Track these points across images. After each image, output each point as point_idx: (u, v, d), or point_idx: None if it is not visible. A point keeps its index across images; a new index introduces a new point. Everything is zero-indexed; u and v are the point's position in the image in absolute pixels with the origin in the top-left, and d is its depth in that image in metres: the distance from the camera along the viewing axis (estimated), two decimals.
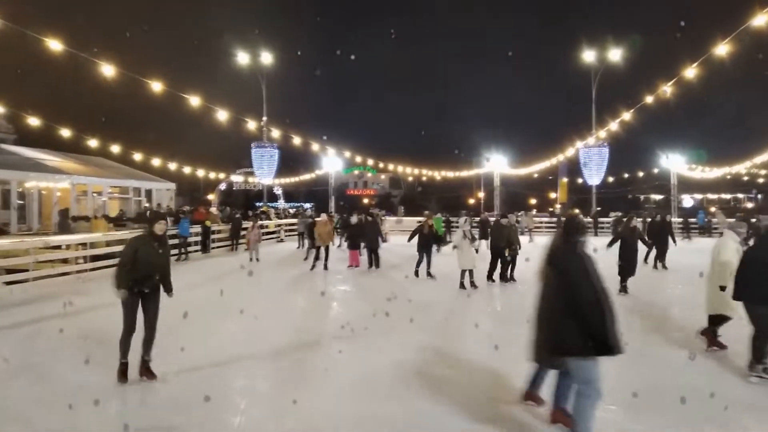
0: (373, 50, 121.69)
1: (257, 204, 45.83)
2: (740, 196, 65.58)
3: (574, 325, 4.08)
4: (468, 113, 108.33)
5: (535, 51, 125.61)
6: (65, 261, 14.86)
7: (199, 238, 20.96)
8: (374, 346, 7.51)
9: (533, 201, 61.35)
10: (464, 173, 45.30)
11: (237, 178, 50.14)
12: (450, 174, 42.64)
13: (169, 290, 6.27)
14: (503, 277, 13.14)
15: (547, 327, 4.40)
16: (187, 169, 29.34)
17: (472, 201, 63.27)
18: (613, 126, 29.08)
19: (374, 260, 16.16)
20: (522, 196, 57.40)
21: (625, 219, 14.17)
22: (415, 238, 14.48)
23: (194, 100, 18.25)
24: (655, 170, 40.82)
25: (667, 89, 22.29)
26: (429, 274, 13.98)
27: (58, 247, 15.23)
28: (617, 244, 11.69)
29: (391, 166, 40.07)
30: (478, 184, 59.45)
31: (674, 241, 16.59)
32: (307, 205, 54.85)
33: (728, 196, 66.82)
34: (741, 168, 37.62)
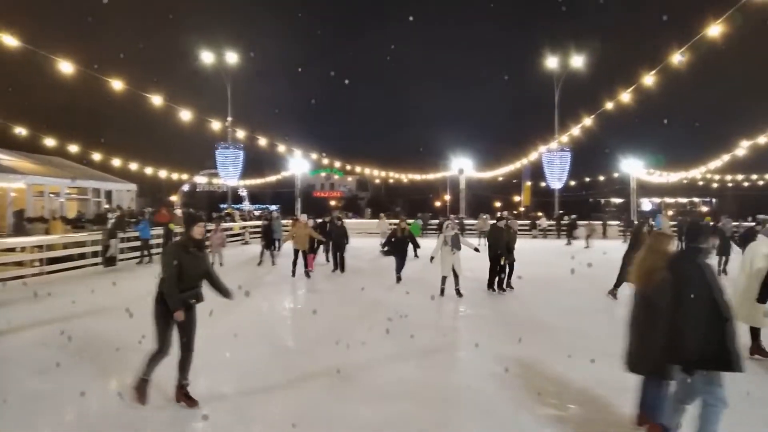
0: (340, 53, 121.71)
1: (222, 206, 45.17)
2: (696, 200, 67.86)
3: (702, 336, 3.94)
4: (435, 117, 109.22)
5: (501, 57, 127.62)
6: (20, 264, 14.37)
7: (160, 241, 20.50)
8: (377, 363, 7.41)
9: (498, 204, 62.15)
10: (431, 176, 45.64)
11: (201, 180, 49.30)
12: (417, 176, 42.91)
13: (227, 293, 5.65)
14: (500, 286, 12.26)
15: (660, 337, 4.15)
16: (148, 170, 28.69)
17: (438, 203, 63.73)
18: (575, 131, 29.73)
19: (340, 264, 15.69)
20: (487, 199, 58.07)
21: (638, 224, 13.59)
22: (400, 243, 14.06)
23: (157, 99, 17.85)
24: (615, 174, 41.92)
25: (626, 96, 22.89)
26: (399, 278, 13.56)
27: (13, 250, 14.74)
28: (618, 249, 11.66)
29: (358, 168, 40.10)
30: (444, 186, 59.95)
31: None
32: (273, 207, 54.32)
33: (685, 200, 69.03)
34: (697, 173, 38.93)
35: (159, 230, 20.28)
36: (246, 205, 49.67)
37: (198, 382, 5.71)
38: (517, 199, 62.27)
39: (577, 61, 32.32)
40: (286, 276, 14.89)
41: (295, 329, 9.39)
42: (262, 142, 30.63)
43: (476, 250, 11.98)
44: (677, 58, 17.37)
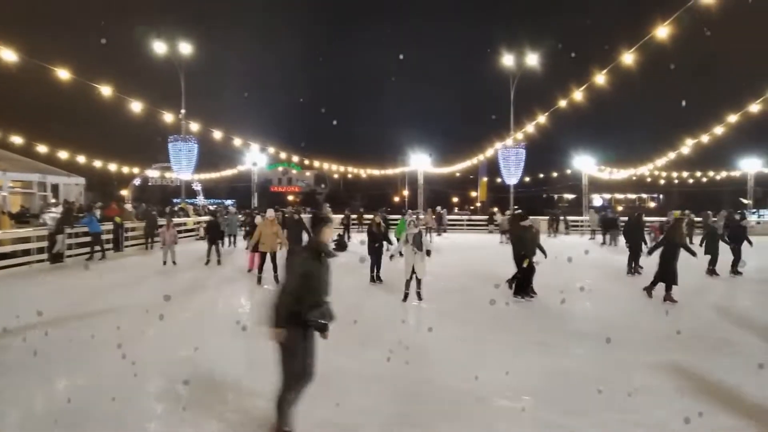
0: (298, 47, 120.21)
1: (175, 200, 44.07)
2: (644, 196, 70.44)
3: None
4: (394, 113, 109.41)
5: (459, 53, 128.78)
6: None
7: (110, 236, 19.85)
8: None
9: (455, 199, 62.94)
10: (389, 171, 45.74)
11: (153, 173, 47.93)
12: (376, 172, 42.95)
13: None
14: (525, 291, 10.95)
15: None
16: (97, 163, 27.69)
17: (397, 199, 64.01)
18: (530, 128, 30.35)
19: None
20: (445, 195, 58.71)
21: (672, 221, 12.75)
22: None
23: (106, 90, 17.20)
24: (568, 171, 43.04)
25: (578, 94, 23.52)
26: (378, 278, 12.84)
27: None
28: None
29: (316, 163, 39.81)
30: (402, 181, 60.25)
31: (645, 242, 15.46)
32: (229, 202, 53.38)
33: (633, 196, 71.54)
34: (645, 170, 40.36)
35: (109, 225, 19.66)
36: (200, 200, 48.62)
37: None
38: (473, 194, 63.28)
39: (532, 60, 32.94)
40: (232, 278, 14.01)
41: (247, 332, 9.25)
42: (218, 135, 30.08)
43: (428, 252, 10.75)
44: (627, 57, 17.97)
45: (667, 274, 10.56)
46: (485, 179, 57.97)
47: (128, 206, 28.12)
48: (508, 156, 34.48)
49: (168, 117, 26.53)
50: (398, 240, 13.41)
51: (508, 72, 34.08)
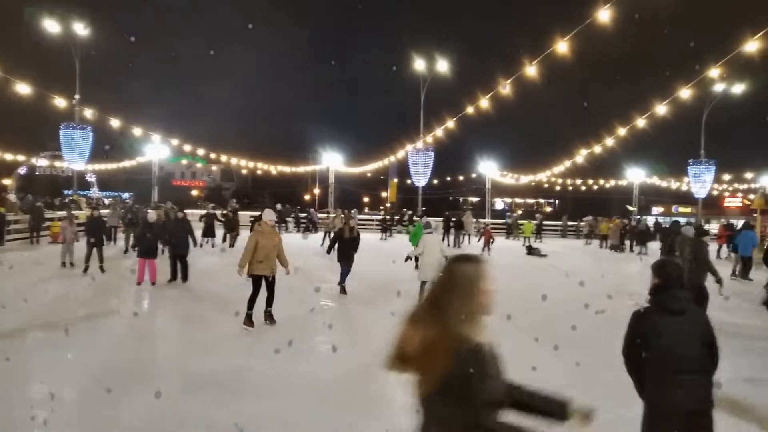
0: (211, 40, 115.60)
1: (66, 192, 40.94)
2: (542, 201, 74.67)
3: None
4: (305, 110, 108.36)
5: (371, 56, 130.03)
6: None
7: None
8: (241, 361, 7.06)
9: (366, 199, 63.44)
10: (300, 169, 45.26)
11: (41, 162, 44.25)
12: (286, 169, 42.32)
13: None
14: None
15: None
16: None
17: (307, 197, 63.42)
18: (439, 132, 31.23)
19: (182, 270, 12.15)
20: (356, 194, 59.04)
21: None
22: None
23: None
24: (473, 175, 44.83)
25: (485, 101, 24.53)
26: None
27: None
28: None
29: (223, 158, 38.56)
30: (313, 179, 59.82)
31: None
32: (126, 195, 50.44)
33: (532, 201, 75.64)
34: (543, 176, 42.89)
35: None
36: (94, 192, 45.55)
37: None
38: (384, 194, 64.07)
39: (443, 66, 33.87)
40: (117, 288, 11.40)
41: (144, 338, 8.78)
42: (116, 123, 28.33)
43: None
44: (530, 69, 18.99)
45: None
46: (395, 180, 58.91)
47: (11, 197, 25.77)
48: (418, 158, 35.23)
49: (60, 102, 24.61)
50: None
51: (419, 76, 34.83)
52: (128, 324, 8.51)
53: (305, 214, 32.36)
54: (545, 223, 34.26)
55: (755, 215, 25.45)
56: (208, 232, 20.16)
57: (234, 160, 39.56)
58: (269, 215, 8.98)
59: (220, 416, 4.99)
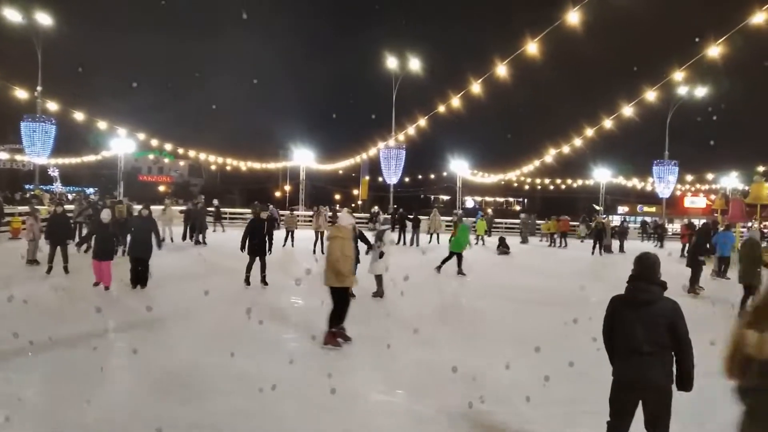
0: (182, 34, 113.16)
1: (27, 186, 39.68)
2: (511, 199, 75.63)
3: None
4: (276, 106, 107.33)
5: (343, 53, 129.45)
6: None
7: None
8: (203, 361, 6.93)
9: (338, 196, 63.23)
10: (271, 165, 44.82)
11: (1, 155, 42.80)
12: (256, 165, 41.84)
13: None
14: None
15: None
16: None
17: (278, 194, 62.88)
18: (411, 130, 31.32)
19: (142, 275, 10.76)
20: (327, 192, 58.80)
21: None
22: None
23: None
24: (444, 173, 45.13)
25: (456, 101, 24.70)
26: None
27: None
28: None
29: (192, 153, 37.91)
30: (284, 176, 59.33)
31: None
32: (91, 190, 49.18)
33: (501, 200, 76.55)
34: (513, 175, 43.45)
35: None
36: (57, 187, 44.30)
37: None
38: (355, 192, 63.95)
39: (414, 64, 33.92)
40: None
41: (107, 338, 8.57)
42: (80, 116, 27.61)
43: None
44: (501, 69, 19.18)
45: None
46: (367, 178, 58.84)
47: None
48: (389, 156, 35.26)
49: (22, 94, 23.89)
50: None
51: (391, 74, 34.83)
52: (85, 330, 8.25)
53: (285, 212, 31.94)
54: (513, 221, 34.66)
55: (716, 215, 26.28)
56: (199, 228, 20.57)
57: (203, 156, 38.95)
58: (348, 219, 7.78)
59: (184, 414, 4.91)
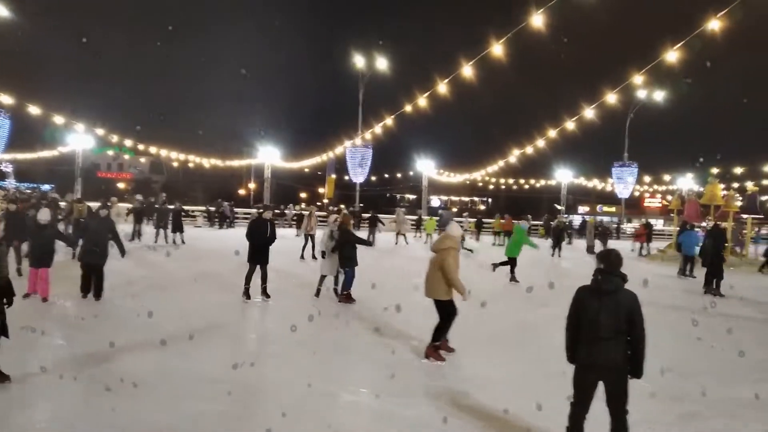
0: (143, 28, 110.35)
1: None
2: (476, 199, 76.50)
3: None
4: (241, 103, 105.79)
5: (309, 51, 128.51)
6: None
7: None
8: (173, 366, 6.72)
9: (303, 195, 62.79)
10: (235, 162, 44.20)
11: None
12: (219, 162, 41.21)
13: None
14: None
15: None
16: None
17: (242, 191, 62.05)
18: (377, 129, 31.33)
19: (95, 283, 9.28)
20: (293, 190, 58.35)
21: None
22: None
23: None
24: (411, 173, 45.33)
25: (422, 100, 24.82)
26: (265, 291, 10.08)
27: None
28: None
29: (153, 149, 37.08)
30: (249, 174, 58.55)
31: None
32: (47, 187, 47.52)
33: (467, 199, 77.34)
34: (477, 175, 43.98)
35: None
36: (11, 183, 42.69)
37: None
38: (321, 190, 63.60)
39: (381, 63, 33.93)
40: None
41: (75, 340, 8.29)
42: (35, 110, 26.68)
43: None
44: (467, 70, 19.37)
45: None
46: (333, 176, 58.60)
47: None
48: (356, 155, 35.21)
49: None
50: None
51: (358, 72, 34.76)
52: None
53: (215, 208, 31.28)
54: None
55: (672, 215, 27.13)
56: (176, 227, 19.83)
57: (164, 152, 38.14)
58: (458, 229, 7.35)
59: (152, 417, 4.78)
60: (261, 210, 11.00)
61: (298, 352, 6.97)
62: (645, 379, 4.21)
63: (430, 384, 6.00)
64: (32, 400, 5.18)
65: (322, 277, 10.44)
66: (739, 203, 24.15)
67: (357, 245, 10.35)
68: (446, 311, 6.76)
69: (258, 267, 9.91)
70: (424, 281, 6.91)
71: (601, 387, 4.15)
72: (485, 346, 7.74)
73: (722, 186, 24.44)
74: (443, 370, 6.50)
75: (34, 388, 5.42)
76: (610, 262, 4.16)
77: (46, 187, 47.73)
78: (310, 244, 16.95)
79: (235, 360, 5.94)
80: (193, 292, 10.63)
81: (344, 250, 10.10)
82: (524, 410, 5.05)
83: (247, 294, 9.92)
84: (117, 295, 9.64)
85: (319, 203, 54.84)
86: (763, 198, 40.31)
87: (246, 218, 32.98)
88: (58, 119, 29.60)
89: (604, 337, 4.03)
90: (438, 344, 6.86)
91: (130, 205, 22.97)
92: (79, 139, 33.86)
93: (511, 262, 13.45)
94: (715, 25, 15.74)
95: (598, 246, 21.57)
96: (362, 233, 22.40)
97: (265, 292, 10.04)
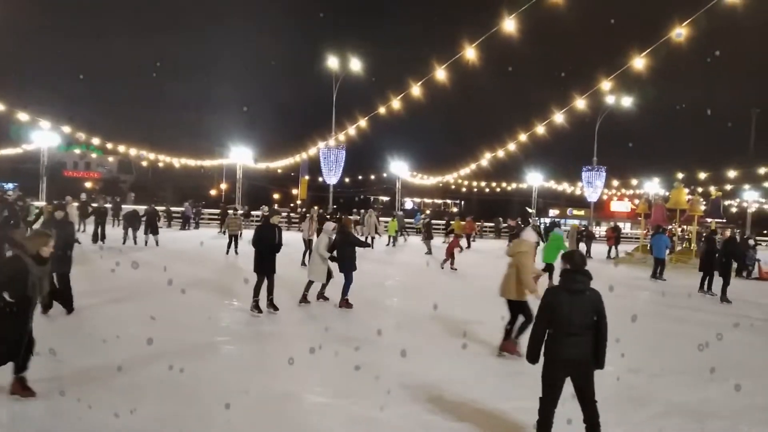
0: (114, 24, 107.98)
1: None
2: (449, 201, 77.05)
3: None
4: (213, 103, 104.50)
5: (283, 50, 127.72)
6: None
7: None
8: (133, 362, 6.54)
9: (276, 196, 62.31)
10: (206, 162, 43.61)
11: None
12: (191, 162, 40.62)
13: None
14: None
15: None
16: None
17: (213, 192, 61.23)
18: (351, 130, 31.28)
19: (65, 295, 8.20)
20: (265, 191, 57.83)
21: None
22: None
23: None
24: (384, 175, 45.43)
25: (396, 103, 24.88)
26: (272, 303, 9.23)
27: None
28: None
29: (121, 148, 36.34)
30: (221, 174, 57.78)
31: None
32: (9, 186, 46.12)
33: (440, 201, 77.84)
34: (450, 178, 44.31)
35: None
36: None
37: None
38: (294, 192, 63.21)
39: (355, 65, 33.88)
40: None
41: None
42: None
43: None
44: (440, 73, 19.48)
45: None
46: (306, 177, 58.30)
47: None
48: (329, 156, 35.09)
49: None
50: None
51: (332, 73, 34.65)
52: None
53: (182, 209, 30.70)
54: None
55: (640, 218, 27.74)
56: (150, 229, 19.09)
57: (133, 151, 37.41)
58: (533, 235, 7.74)
59: (113, 422, 4.67)
60: (267, 214, 10.19)
61: (272, 355, 6.91)
62: (616, 379, 4.38)
63: (409, 386, 6.00)
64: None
65: (310, 283, 10.07)
66: (703, 207, 24.87)
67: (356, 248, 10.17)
68: (518, 311, 7.21)
69: (266, 277, 9.08)
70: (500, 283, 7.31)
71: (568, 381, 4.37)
72: (460, 347, 7.77)
73: (687, 191, 25.04)
74: (422, 373, 6.50)
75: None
76: (575, 263, 4.43)
77: (8, 186, 46.34)
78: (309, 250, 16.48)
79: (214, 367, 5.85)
80: (169, 297, 10.27)
81: (345, 253, 9.83)
82: (503, 410, 5.08)
83: (257, 307, 9.02)
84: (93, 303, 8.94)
85: (291, 205, 54.51)
86: (726, 203, 41.66)
87: (212, 219, 32.51)
88: (23, 116, 28.80)
89: (576, 333, 4.28)
90: (516, 341, 7.14)
91: (94, 205, 22.15)
92: (45, 137, 32.96)
93: (549, 268, 12.85)
94: (679, 34, 16.14)
95: (584, 250, 21.13)
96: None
97: (272, 304, 9.19)
